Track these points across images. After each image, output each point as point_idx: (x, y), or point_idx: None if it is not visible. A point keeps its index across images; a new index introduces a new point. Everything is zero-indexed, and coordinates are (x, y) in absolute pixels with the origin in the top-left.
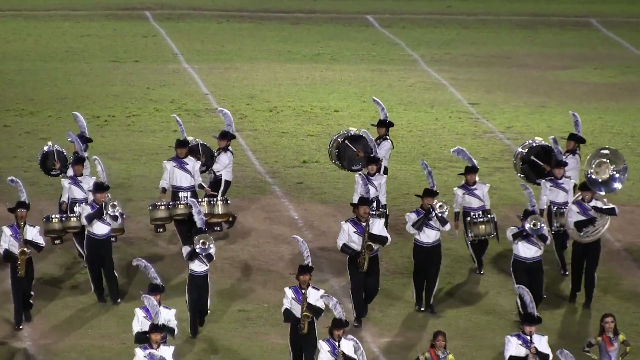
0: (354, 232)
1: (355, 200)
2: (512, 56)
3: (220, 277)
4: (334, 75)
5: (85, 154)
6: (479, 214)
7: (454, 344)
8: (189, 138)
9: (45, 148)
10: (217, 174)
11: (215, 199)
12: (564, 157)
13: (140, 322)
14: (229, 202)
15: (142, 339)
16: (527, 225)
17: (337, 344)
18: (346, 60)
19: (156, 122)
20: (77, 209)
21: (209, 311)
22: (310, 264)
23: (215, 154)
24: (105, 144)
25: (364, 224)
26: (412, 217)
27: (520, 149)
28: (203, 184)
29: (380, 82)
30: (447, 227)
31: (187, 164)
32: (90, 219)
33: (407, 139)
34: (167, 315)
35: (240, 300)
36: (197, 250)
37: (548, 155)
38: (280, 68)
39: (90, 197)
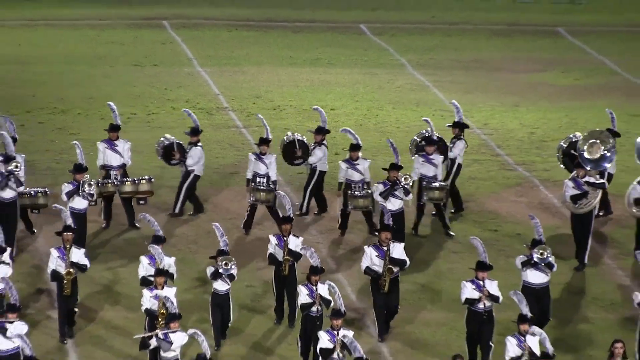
0: (376, 255)
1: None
2: (489, 61)
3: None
4: (331, 77)
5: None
6: (359, 187)
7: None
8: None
9: (166, 141)
10: (312, 165)
11: (140, 178)
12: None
13: (145, 268)
14: (152, 180)
15: (147, 282)
16: (535, 255)
17: (314, 287)
18: (341, 65)
19: (173, 119)
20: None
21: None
22: (292, 216)
23: (311, 147)
24: (128, 138)
25: (385, 248)
26: (379, 187)
27: (562, 143)
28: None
29: (371, 84)
30: (410, 197)
31: (117, 146)
32: (69, 195)
33: (395, 133)
34: (169, 261)
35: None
36: (220, 271)
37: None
38: (283, 71)
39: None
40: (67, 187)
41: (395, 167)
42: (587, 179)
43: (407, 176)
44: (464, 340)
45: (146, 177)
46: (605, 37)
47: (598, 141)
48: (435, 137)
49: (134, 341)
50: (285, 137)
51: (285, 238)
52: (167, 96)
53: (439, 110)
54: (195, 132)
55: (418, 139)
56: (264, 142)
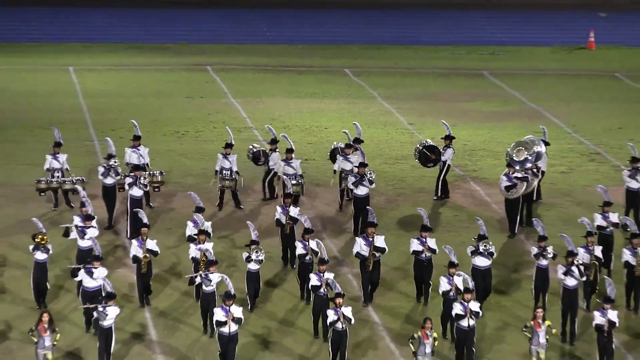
0: (364, 244)
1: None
2: (435, 94)
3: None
4: (324, 106)
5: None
6: (293, 176)
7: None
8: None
9: (254, 149)
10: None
11: (156, 171)
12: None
13: (190, 229)
14: (163, 173)
15: (192, 239)
16: (480, 247)
17: (307, 243)
18: (332, 97)
19: (214, 135)
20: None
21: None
22: (292, 192)
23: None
24: (182, 149)
25: (370, 239)
26: (352, 179)
27: (418, 145)
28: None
29: (352, 110)
30: (373, 185)
31: (139, 150)
32: (130, 185)
33: (369, 146)
34: (207, 225)
35: None
36: (252, 256)
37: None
38: (290, 101)
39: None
40: (127, 180)
41: (363, 165)
42: (515, 174)
43: (371, 172)
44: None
45: (159, 171)
46: (516, 77)
47: (523, 148)
48: (352, 144)
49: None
50: (332, 146)
51: (287, 208)
52: (210, 119)
53: (400, 129)
54: (273, 142)
55: (420, 147)
56: (229, 146)
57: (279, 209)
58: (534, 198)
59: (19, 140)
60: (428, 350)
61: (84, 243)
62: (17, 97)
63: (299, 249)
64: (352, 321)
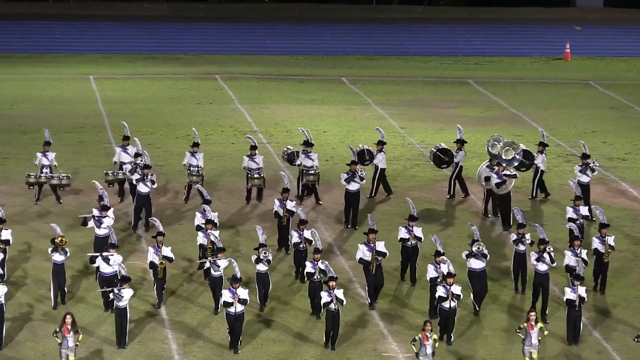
0: (366, 249)
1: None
2: (424, 101)
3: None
4: (323, 111)
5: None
6: (256, 172)
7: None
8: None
9: (289, 150)
10: (377, 164)
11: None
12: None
13: (198, 219)
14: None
15: (200, 228)
16: (474, 249)
17: (301, 233)
18: (330, 103)
19: (222, 139)
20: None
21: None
22: (288, 187)
23: (375, 153)
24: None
25: (372, 244)
26: (344, 176)
27: (433, 149)
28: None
29: (349, 115)
30: (364, 182)
31: (128, 149)
32: (137, 182)
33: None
34: (214, 215)
35: None
36: (261, 257)
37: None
38: (292, 107)
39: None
40: (136, 176)
41: (354, 163)
42: (504, 172)
43: (362, 169)
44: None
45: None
46: (498, 85)
47: (510, 148)
48: (312, 142)
49: None
50: (358, 147)
51: (284, 201)
52: (218, 123)
53: (392, 132)
54: (307, 144)
55: (434, 150)
56: (196, 145)
57: (276, 201)
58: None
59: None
60: (429, 351)
61: (101, 231)
62: (42, 104)
63: (294, 238)
64: (344, 302)
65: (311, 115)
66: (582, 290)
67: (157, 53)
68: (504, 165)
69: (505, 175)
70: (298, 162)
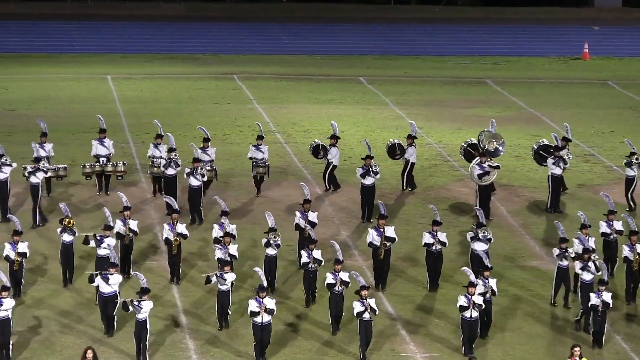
0: (376, 234)
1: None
2: (442, 101)
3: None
4: (341, 111)
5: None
6: (261, 162)
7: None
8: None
9: (314, 143)
10: (408, 158)
11: (120, 162)
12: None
13: (216, 232)
14: (126, 164)
15: (218, 241)
16: (480, 233)
17: (310, 252)
18: (347, 103)
19: (240, 138)
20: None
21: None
22: (309, 198)
23: (406, 147)
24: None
25: (381, 230)
26: (360, 170)
27: (534, 145)
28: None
29: (367, 115)
30: (378, 176)
31: (105, 142)
32: (188, 175)
33: (382, 147)
34: (232, 227)
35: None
36: (271, 242)
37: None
38: (310, 107)
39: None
40: (186, 170)
41: (369, 157)
42: (488, 163)
43: (376, 164)
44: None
45: (122, 162)
46: (516, 85)
47: (494, 139)
48: (263, 135)
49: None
50: (388, 142)
51: (306, 212)
52: (236, 123)
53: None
54: (333, 137)
55: (464, 145)
56: (159, 136)
57: (298, 214)
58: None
59: (62, 142)
60: None
61: (102, 251)
62: (61, 104)
63: (304, 258)
64: (377, 312)
65: (329, 115)
66: (607, 296)
67: (174, 53)
68: (488, 156)
69: (489, 166)
70: (333, 161)
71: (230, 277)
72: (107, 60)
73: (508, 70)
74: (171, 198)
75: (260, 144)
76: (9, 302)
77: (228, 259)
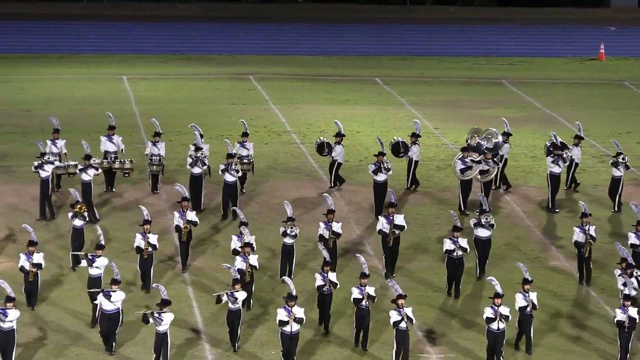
0: (385, 222)
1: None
2: (457, 101)
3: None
4: (356, 112)
5: None
6: (245, 158)
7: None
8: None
9: (319, 141)
10: (412, 157)
11: (127, 159)
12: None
13: (235, 243)
14: (133, 161)
15: (237, 252)
16: (482, 219)
17: (326, 275)
18: (363, 103)
19: (255, 138)
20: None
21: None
22: (333, 209)
23: (410, 146)
24: (226, 150)
25: (391, 217)
26: (372, 167)
27: (547, 142)
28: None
29: (382, 116)
30: (390, 172)
31: (113, 139)
32: (223, 172)
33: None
34: (252, 238)
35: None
36: (288, 231)
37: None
38: (325, 108)
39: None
40: (221, 166)
41: (382, 154)
42: (470, 157)
43: (388, 160)
44: (443, 280)
45: (129, 159)
46: (532, 85)
47: (476, 134)
48: (247, 132)
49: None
50: (392, 140)
51: (330, 223)
52: (251, 123)
53: (425, 133)
54: (338, 135)
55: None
56: (157, 134)
57: (322, 225)
58: (496, 185)
59: (77, 143)
60: None
61: (93, 271)
62: (75, 104)
63: (318, 281)
64: (414, 321)
65: (344, 115)
66: (633, 312)
67: (190, 53)
68: (470, 151)
69: (472, 160)
70: (337, 158)
71: (241, 295)
72: (122, 60)
73: (524, 71)
74: (181, 185)
75: (245, 141)
76: (13, 313)
77: (249, 269)
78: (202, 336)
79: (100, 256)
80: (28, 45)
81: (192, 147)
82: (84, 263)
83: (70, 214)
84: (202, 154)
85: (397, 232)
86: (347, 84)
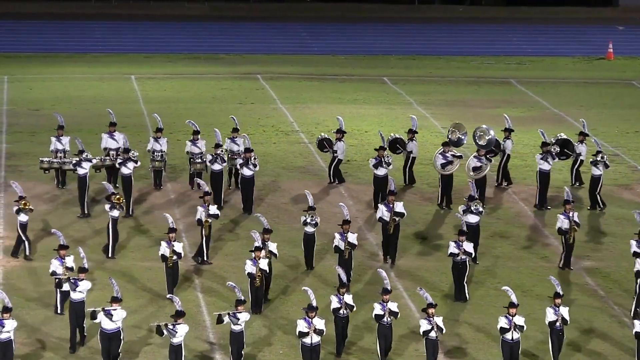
0: (386, 210)
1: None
2: (466, 101)
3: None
4: (364, 111)
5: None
6: (236, 153)
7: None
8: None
9: (320, 137)
10: (410, 153)
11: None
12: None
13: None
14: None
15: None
16: (472, 206)
17: (342, 297)
18: (371, 103)
19: (263, 138)
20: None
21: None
22: (349, 219)
23: (407, 142)
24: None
25: (391, 205)
26: (372, 161)
27: (552, 139)
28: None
29: (390, 115)
30: (391, 167)
31: (115, 136)
32: (241, 166)
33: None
34: (273, 245)
35: None
36: (308, 220)
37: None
38: (333, 107)
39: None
40: (239, 160)
41: (382, 148)
42: (451, 152)
43: (388, 155)
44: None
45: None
46: (540, 85)
47: (457, 130)
48: (237, 128)
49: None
50: (389, 136)
51: (345, 234)
52: (260, 123)
53: (434, 132)
54: (339, 132)
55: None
56: (159, 130)
57: (337, 235)
58: (498, 182)
59: (86, 142)
60: None
61: (76, 295)
62: (84, 104)
63: (334, 303)
64: (444, 330)
65: (352, 115)
66: None
67: (198, 53)
68: (451, 146)
69: (453, 155)
70: (327, 149)
71: (244, 317)
72: (130, 60)
73: (532, 70)
74: (202, 181)
75: (236, 137)
76: (10, 324)
77: (259, 273)
78: (214, 347)
79: (83, 279)
80: (37, 45)
81: (201, 143)
82: (66, 287)
83: (107, 206)
84: (221, 150)
85: (397, 219)
86: (355, 84)
